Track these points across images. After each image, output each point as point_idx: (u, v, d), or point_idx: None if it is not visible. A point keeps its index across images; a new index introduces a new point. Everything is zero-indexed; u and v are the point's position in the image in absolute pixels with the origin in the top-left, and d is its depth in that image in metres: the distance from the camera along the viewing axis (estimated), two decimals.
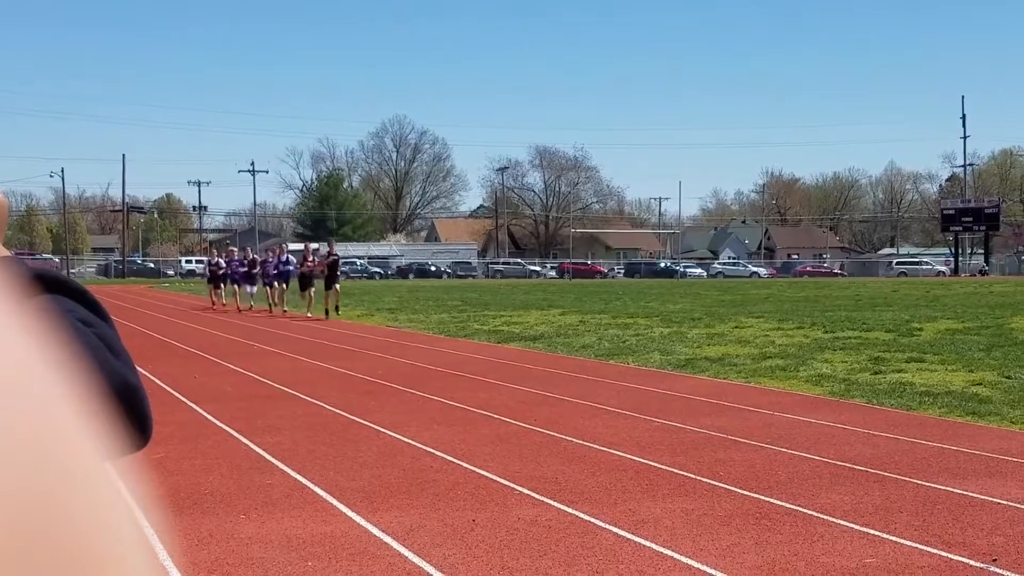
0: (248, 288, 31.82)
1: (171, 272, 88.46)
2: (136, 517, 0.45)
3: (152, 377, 13.29)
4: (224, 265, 32.76)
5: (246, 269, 31.92)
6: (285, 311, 28.69)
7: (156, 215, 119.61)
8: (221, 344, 19.19)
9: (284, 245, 29.64)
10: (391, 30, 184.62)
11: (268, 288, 29.90)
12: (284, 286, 29.38)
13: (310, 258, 28.64)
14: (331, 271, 27.24)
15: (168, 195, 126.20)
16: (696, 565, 4.90)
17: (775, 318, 23.67)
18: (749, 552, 5.13)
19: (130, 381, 0.81)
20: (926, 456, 7.78)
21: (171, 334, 21.94)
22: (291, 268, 29.28)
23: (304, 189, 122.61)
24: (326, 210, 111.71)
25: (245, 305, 31.41)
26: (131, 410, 0.80)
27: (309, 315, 27.01)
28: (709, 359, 14.98)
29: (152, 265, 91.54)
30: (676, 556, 5.06)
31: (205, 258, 34.03)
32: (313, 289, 28.07)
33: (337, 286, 27.53)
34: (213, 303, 32.60)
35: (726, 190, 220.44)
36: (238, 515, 5.97)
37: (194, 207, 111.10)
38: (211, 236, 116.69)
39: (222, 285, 32.93)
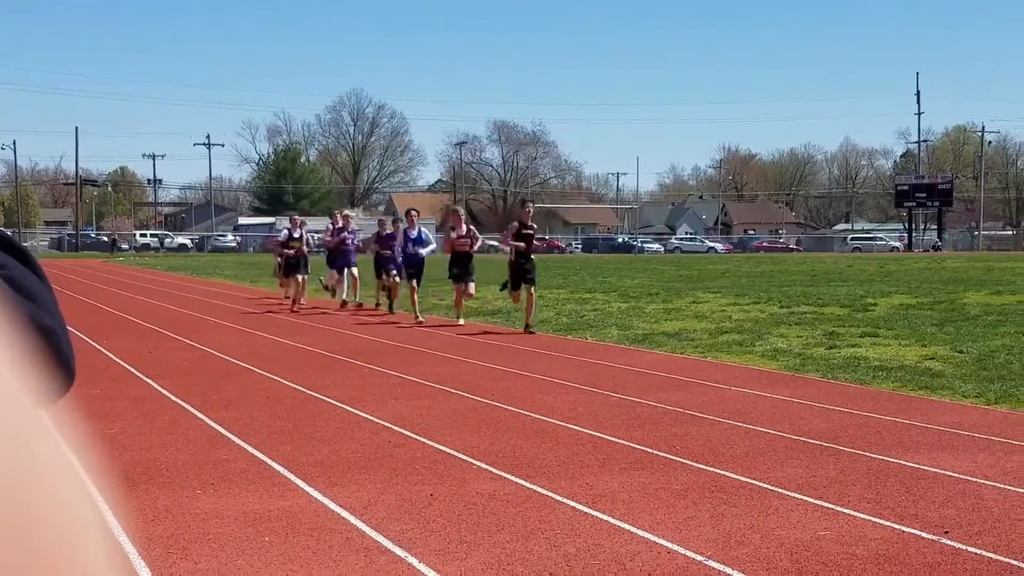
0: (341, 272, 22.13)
1: (125, 246, 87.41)
2: (80, 472, 0.44)
3: (107, 352, 13.15)
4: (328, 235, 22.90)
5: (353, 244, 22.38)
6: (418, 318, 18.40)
7: (110, 188, 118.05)
8: (175, 318, 19.02)
9: (413, 212, 19.48)
10: (348, 3, 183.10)
11: (385, 276, 20.40)
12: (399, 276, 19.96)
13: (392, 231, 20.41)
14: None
15: (122, 168, 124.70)
16: (653, 538, 4.93)
17: (732, 293, 23.82)
18: (705, 525, 5.17)
19: (44, 323, 0.78)
20: (879, 430, 7.87)
21: (129, 309, 21.71)
22: (423, 252, 19.30)
23: (261, 163, 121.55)
24: (283, 184, 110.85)
25: (345, 300, 22.07)
26: (50, 352, 0.78)
27: (420, 319, 18.22)
28: (667, 334, 15.05)
29: (106, 239, 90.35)
30: (633, 529, 5.08)
31: (283, 227, 23.32)
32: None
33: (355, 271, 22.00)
34: (293, 302, 21.48)
35: (683, 166, 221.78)
36: (194, 490, 5.93)
37: (149, 180, 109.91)
38: (166, 210, 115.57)
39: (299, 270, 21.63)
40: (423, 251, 18.98)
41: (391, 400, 9.27)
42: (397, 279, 19.78)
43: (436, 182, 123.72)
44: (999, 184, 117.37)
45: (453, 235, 17.74)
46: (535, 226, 16.73)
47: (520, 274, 16.09)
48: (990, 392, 9.51)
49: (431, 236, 19.27)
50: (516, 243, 16.05)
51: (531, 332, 15.57)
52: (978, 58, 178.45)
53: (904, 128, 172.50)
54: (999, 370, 10.79)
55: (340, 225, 22.65)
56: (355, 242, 22.71)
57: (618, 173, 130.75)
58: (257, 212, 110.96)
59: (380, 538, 4.94)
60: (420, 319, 17.89)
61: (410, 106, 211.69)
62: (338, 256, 22.21)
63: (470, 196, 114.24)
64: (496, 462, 6.61)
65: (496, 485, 6.04)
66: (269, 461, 6.70)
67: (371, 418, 8.30)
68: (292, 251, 21.52)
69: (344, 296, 22.07)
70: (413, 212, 19.43)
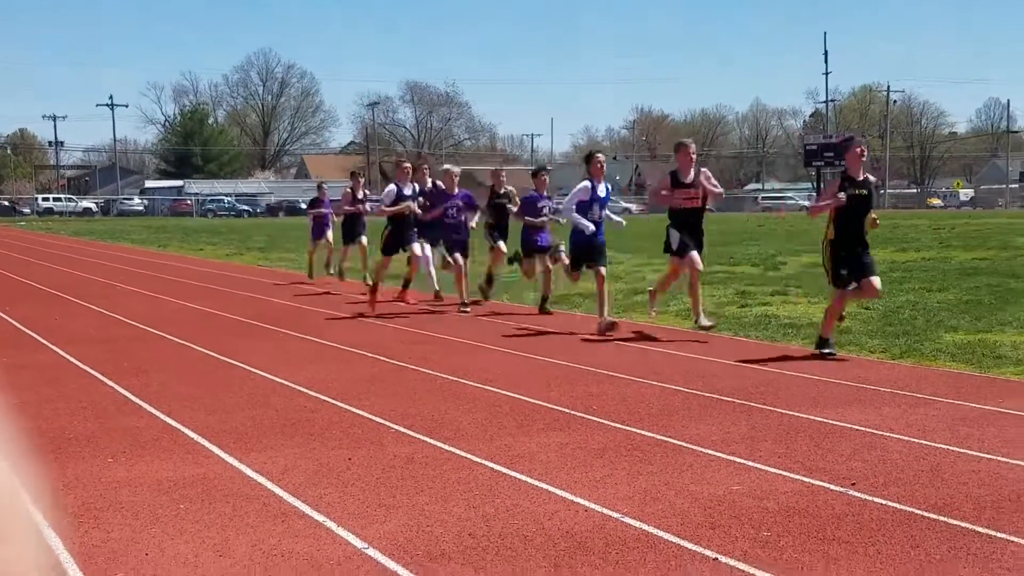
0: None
1: (27, 211, 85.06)
2: None
3: (11, 320, 12.82)
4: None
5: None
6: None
7: (9, 151, 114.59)
8: (81, 284, 18.60)
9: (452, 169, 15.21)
10: None
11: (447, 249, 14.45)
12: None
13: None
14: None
15: (22, 130, 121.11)
16: (570, 497, 4.98)
17: (645, 254, 24.03)
18: (622, 483, 5.24)
19: None
20: (790, 386, 8.04)
21: (33, 275, 21.18)
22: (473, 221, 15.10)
23: (167, 124, 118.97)
24: (191, 146, 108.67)
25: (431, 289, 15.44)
26: None
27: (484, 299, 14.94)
28: (582, 295, 15.14)
29: (7, 203, 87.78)
30: (551, 489, 5.13)
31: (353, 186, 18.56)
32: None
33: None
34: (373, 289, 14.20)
35: (597, 127, 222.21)
36: (105, 459, 5.83)
37: (50, 143, 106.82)
38: (69, 173, 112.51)
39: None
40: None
41: (307, 365, 9.20)
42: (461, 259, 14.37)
43: (348, 143, 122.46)
44: (904, 143, 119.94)
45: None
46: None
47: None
48: (895, 347, 9.76)
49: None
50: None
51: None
52: (884, 17, 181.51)
53: (812, 88, 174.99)
54: (904, 325, 11.07)
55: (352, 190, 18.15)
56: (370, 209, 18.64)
57: (532, 134, 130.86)
58: (164, 175, 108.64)
59: (298, 503, 4.91)
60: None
61: (321, 66, 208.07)
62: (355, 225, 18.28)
63: (383, 158, 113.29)
64: (414, 425, 6.61)
65: (414, 448, 6.04)
66: (182, 428, 6.60)
67: (286, 383, 8.23)
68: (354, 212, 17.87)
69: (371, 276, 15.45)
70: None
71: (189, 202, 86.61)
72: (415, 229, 14.15)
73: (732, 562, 4.05)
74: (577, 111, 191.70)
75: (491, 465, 5.61)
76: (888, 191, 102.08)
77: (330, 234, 19.57)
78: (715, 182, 11.30)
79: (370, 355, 9.74)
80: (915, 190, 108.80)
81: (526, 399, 7.51)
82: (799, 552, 4.17)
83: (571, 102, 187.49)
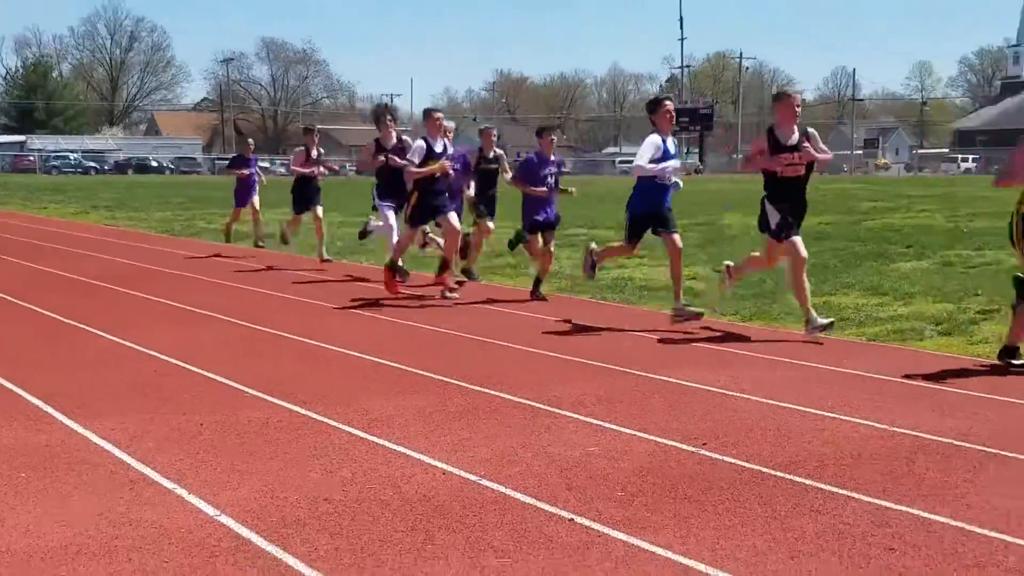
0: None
1: None
2: None
3: None
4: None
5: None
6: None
7: None
8: None
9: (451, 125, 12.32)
10: None
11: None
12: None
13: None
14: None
15: None
16: (428, 460, 4.97)
17: (507, 217, 24.09)
18: (480, 446, 5.25)
19: None
20: (646, 348, 8.18)
21: None
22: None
23: (8, 77, 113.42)
24: (33, 100, 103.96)
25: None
26: None
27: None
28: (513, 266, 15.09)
29: None
30: (409, 452, 5.10)
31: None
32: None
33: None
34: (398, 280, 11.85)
35: (457, 88, 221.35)
36: None
37: None
38: None
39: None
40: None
41: (158, 327, 8.94)
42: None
43: (202, 100, 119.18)
44: (755, 109, 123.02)
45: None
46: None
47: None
48: (746, 310, 10.03)
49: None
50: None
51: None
52: None
53: (669, 54, 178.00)
54: (753, 288, 11.37)
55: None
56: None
57: (392, 94, 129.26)
58: (5, 130, 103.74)
59: (147, 470, 4.77)
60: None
61: (172, 21, 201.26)
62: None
63: (238, 115, 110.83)
64: (270, 389, 6.49)
65: (269, 412, 5.93)
66: (23, 393, 6.34)
67: (136, 346, 7.98)
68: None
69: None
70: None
71: (32, 158, 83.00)
72: (447, 194, 11.26)
73: (587, 522, 4.11)
74: (437, 72, 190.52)
75: (348, 429, 5.56)
76: (739, 156, 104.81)
77: (256, 199, 17.01)
78: (823, 145, 8.80)
79: (226, 318, 9.52)
80: None
81: (387, 363, 7.45)
82: (652, 511, 4.25)
83: (431, 62, 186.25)
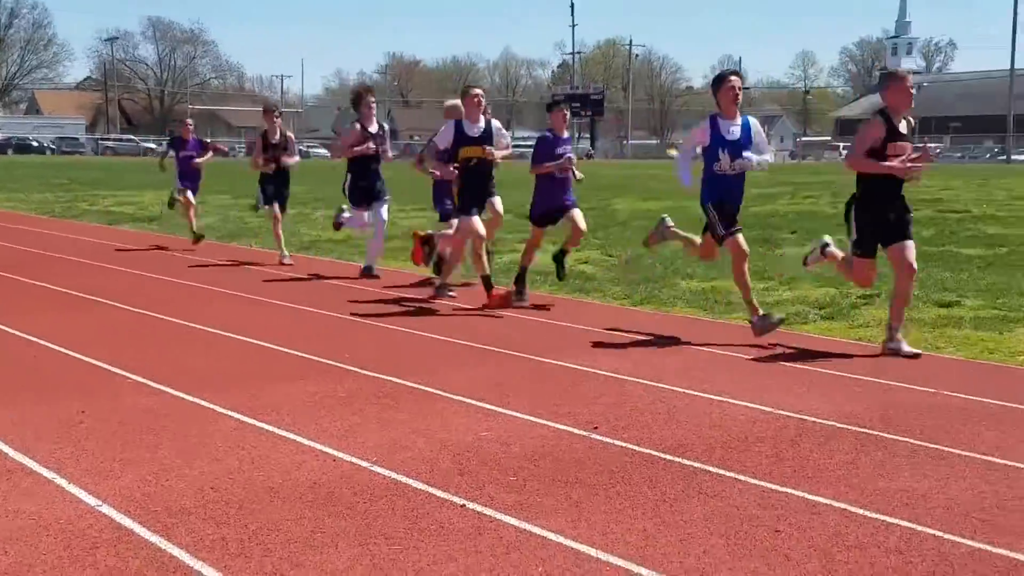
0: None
1: None
2: None
3: None
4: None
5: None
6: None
7: None
8: None
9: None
10: None
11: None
12: None
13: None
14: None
15: None
16: (318, 446, 4.90)
17: (396, 200, 23.97)
18: (371, 431, 5.20)
19: None
20: (539, 332, 8.21)
21: None
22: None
23: None
24: None
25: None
26: None
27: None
28: (333, 241, 14.95)
29: None
30: (298, 439, 5.03)
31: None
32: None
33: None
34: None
35: (349, 70, 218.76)
36: None
37: None
38: None
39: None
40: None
41: (36, 312, 8.65)
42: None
43: (85, 79, 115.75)
44: (645, 95, 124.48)
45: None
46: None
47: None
48: (636, 294, 10.13)
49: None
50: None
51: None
52: None
53: (560, 40, 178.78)
54: (644, 272, 11.50)
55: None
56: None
57: (282, 76, 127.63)
58: None
59: (25, 460, 4.61)
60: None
61: None
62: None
63: (123, 95, 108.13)
64: (155, 376, 6.33)
65: (154, 400, 5.79)
66: None
67: (13, 331, 7.71)
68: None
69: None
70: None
71: None
72: (492, 179, 9.99)
73: (479, 508, 4.10)
74: (329, 53, 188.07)
75: (236, 416, 5.45)
76: (631, 142, 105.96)
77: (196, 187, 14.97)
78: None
79: (108, 302, 9.26)
80: (655, 141, 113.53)
81: (276, 348, 7.34)
82: (543, 496, 4.26)
83: (323, 44, 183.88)
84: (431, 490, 4.31)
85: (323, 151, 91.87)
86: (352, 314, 8.84)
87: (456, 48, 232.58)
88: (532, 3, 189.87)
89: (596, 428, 5.32)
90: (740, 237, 8.03)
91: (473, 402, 5.84)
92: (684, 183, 8.38)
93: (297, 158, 13.07)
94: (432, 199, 11.27)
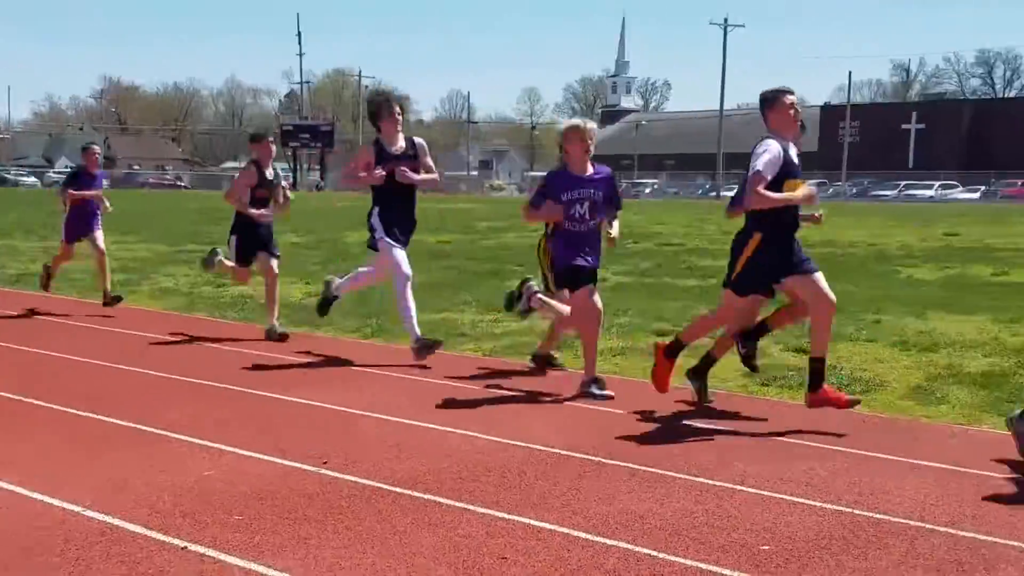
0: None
1: None
2: None
3: None
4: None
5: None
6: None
7: None
8: None
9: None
10: None
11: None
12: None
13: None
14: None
15: None
16: (25, 492, 4.59)
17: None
18: (86, 474, 4.92)
19: None
20: (269, 367, 8.02)
21: None
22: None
23: None
24: None
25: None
26: None
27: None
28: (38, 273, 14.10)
29: None
30: (2, 484, 4.69)
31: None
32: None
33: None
34: None
35: (61, 95, 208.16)
36: None
37: None
38: None
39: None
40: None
41: None
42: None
43: None
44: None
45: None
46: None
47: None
48: (367, 327, 10.10)
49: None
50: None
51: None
52: (357, 3, 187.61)
53: (288, 68, 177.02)
54: (375, 306, 11.49)
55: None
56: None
57: None
58: None
59: None
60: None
61: None
62: None
63: None
64: None
65: None
66: None
67: None
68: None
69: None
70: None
71: None
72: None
73: (201, 549, 3.95)
74: (38, 77, 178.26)
75: None
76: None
77: (99, 232, 11.35)
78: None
79: None
80: None
81: None
82: (271, 534, 4.16)
83: (30, 67, 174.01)
84: (150, 533, 4.12)
85: (32, 179, 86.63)
86: (62, 352, 8.36)
87: (177, 74, 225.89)
88: (258, 30, 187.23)
89: (326, 463, 5.26)
90: None
91: (196, 440, 5.64)
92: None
93: None
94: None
